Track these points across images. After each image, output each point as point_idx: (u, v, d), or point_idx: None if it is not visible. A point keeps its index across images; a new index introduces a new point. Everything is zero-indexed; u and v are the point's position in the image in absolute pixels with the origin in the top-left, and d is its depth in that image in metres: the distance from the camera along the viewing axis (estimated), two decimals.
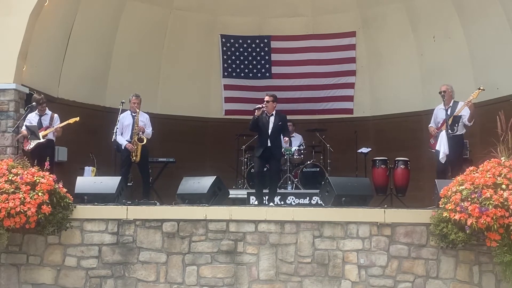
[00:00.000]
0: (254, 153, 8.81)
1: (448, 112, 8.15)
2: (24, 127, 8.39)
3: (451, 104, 8.22)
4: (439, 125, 8.34)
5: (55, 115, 8.74)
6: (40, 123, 8.57)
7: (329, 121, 12.12)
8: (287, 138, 8.48)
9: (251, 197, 9.34)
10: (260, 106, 8.25)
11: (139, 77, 11.63)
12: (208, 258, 6.48)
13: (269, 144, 8.26)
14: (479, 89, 7.96)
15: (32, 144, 8.30)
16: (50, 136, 8.56)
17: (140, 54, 11.77)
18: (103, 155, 9.92)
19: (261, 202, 8.32)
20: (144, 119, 9.06)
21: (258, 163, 8.43)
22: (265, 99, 8.39)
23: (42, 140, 8.35)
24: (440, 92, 8.25)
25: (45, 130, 8.50)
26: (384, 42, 11.95)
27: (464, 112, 8.06)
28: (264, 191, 8.49)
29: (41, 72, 9.78)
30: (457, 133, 8.08)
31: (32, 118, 8.56)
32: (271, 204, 8.17)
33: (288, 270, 6.40)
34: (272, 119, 8.32)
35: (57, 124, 8.61)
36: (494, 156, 6.19)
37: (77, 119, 8.61)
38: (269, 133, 8.26)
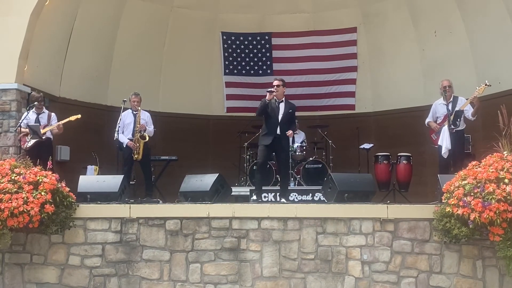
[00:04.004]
0: (260, 142, 7.99)
1: (449, 107, 8.16)
2: (24, 126, 8.38)
3: (451, 99, 8.23)
4: (440, 120, 8.34)
5: (53, 114, 8.74)
6: (38, 121, 8.55)
7: (331, 117, 12.13)
8: (291, 132, 7.81)
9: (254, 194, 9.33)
10: (272, 89, 7.69)
11: (141, 75, 11.64)
12: (212, 256, 6.48)
13: (278, 132, 7.71)
14: (486, 84, 7.92)
15: (31, 142, 8.28)
16: (48, 134, 8.56)
17: (141, 52, 11.78)
18: (106, 154, 9.93)
19: (260, 198, 8.00)
20: (145, 117, 9.13)
21: (264, 153, 7.82)
22: (274, 83, 7.86)
23: (43, 138, 8.35)
24: (444, 87, 8.25)
25: (43, 128, 8.49)
26: (385, 38, 11.95)
27: (467, 107, 8.07)
28: (264, 187, 8.30)
29: (43, 72, 9.79)
30: (459, 128, 8.09)
31: (30, 117, 8.53)
32: (283, 200, 7.87)
33: (291, 266, 6.40)
34: (282, 105, 7.81)
35: (55, 122, 8.59)
36: (497, 150, 6.17)
37: (79, 116, 8.58)
38: (279, 119, 7.72)
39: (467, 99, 8.15)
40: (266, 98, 7.73)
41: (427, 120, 8.64)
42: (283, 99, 7.90)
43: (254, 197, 7.93)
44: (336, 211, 6.50)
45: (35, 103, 8.49)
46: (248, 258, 6.45)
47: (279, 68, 12.73)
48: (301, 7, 12.45)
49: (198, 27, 12.32)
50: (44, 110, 8.73)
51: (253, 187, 9.60)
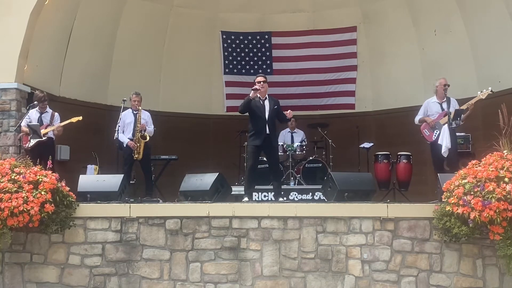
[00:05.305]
0: (249, 143, 7.92)
1: (444, 106, 8.20)
2: (25, 125, 8.38)
3: (445, 99, 8.26)
4: (434, 118, 8.35)
5: (56, 113, 8.74)
6: (40, 120, 8.55)
7: (331, 117, 12.12)
8: (290, 111, 7.75)
9: (254, 193, 9.32)
10: (256, 87, 7.62)
11: (141, 74, 11.63)
12: (212, 255, 6.48)
13: (267, 132, 7.69)
14: (491, 91, 7.96)
15: (32, 141, 8.28)
16: (50, 134, 8.56)
17: (141, 51, 11.78)
18: (106, 153, 9.94)
19: (251, 199, 7.87)
20: (145, 117, 9.14)
21: (255, 155, 7.81)
22: (259, 80, 7.74)
23: (43, 138, 8.35)
24: (444, 85, 8.26)
25: (45, 128, 8.50)
26: (385, 37, 11.94)
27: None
28: (256, 187, 8.23)
29: (43, 71, 9.78)
30: (453, 126, 8.12)
31: (33, 116, 8.54)
32: (280, 199, 7.86)
33: (291, 266, 6.40)
34: (267, 103, 7.74)
35: (58, 122, 8.59)
36: (497, 149, 6.18)
37: (80, 118, 8.60)
38: (267, 118, 7.67)
39: (458, 100, 8.21)
40: (250, 95, 7.62)
41: (418, 117, 8.61)
42: (267, 96, 7.82)
43: (246, 199, 7.83)
44: (336, 210, 6.50)
45: (35, 102, 8.47)
46: (248, 257, 6.45)
47: (279, 67, 12.73)
48: (301, 6, 12.45)
49: (198, 26, 12.32)
50: (48, 109, 8.72)
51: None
